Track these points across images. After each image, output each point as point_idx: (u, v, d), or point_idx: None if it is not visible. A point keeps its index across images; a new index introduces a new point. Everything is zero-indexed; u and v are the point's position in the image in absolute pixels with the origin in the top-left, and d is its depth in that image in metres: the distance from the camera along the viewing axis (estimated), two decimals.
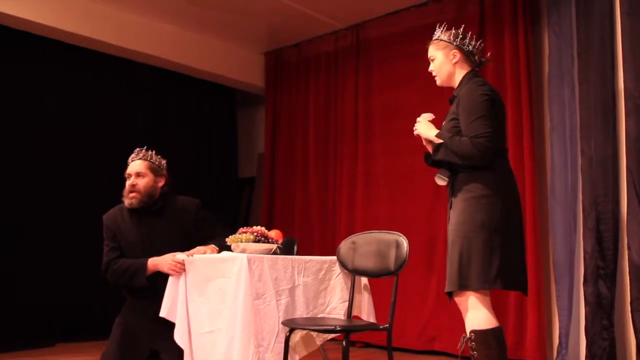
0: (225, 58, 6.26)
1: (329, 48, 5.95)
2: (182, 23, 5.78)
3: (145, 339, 3.01)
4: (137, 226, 3.17)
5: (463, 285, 2.49)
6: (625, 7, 3.97)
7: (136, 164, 3.22)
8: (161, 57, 5.77)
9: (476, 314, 2.49)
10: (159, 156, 3.32)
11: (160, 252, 3.02)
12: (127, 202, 3.17)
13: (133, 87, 6.06)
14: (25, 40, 5.19)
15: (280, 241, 3.02)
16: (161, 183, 3.24)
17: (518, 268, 2.57)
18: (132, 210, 3.18)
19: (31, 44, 5.24)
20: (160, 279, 2.98)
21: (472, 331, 2.49)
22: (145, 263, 3.03)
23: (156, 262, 3.01)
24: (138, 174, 3.17)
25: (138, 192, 3.15)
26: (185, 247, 3.06)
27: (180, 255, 2.96)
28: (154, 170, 3.22)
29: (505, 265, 2.48)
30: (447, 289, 2.57)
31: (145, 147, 3.32)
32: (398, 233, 2.95)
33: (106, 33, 5.34)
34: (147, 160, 3.23)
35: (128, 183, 3.18)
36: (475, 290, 2.48)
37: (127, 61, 5.81)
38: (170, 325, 2.88)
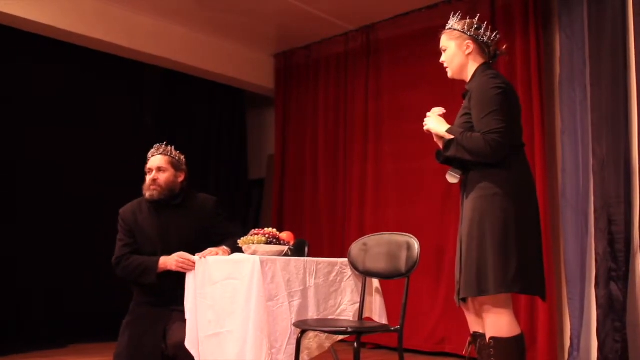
0: (235, 60, 6.28)
1: (338, 50, 5.96)
2: (192, 25, 5.80)
3: (155, 334, 3.03)
4: (156, 219, 3.21)
5: (481, 291, 2.39)
6: (637, 9, 3.96)
7: (157, 159, 3.26)
8: (171, 58, 5.79)
9: (498, 320, 2.41)
10: (178, 151, 3.37)
11: (177, 245, 3.05)
12: (147, 194, 3.21)
13: (143, 88, 6.09)
14: (36, 42, 5.22)
15: (291, 243, 3.02)
16: (181, 178, 3.29)
17: (536, 271, 2.45)
18: (151, 203, 3.22)
19: (41, 46, 5.27)
20: (168, 277, 3.02)
21: (492, 338, 2.40)
22: (157, 262, 3.05)
23: (165, 261, 3.04)
24: (159, 169, 3.23)
25: (159, 185, 3.20)
26: (202, 241, 3.11)
27: (191, 257, 3.00)
28: (174, 165, 3.27)
29: (523, 267, 2.38)
30: (463, 295, 2.47)
31: (164, 142, 3.36)
32: (409, 235, 2.93)
33: (117, 35, 5.37)
34: (167, 155, 3.28)
35: (149, 177, 3.23)
36: (493, 295, 2.38)
37: (137, 63, 5.84)
38: (177, 314, 2.97)
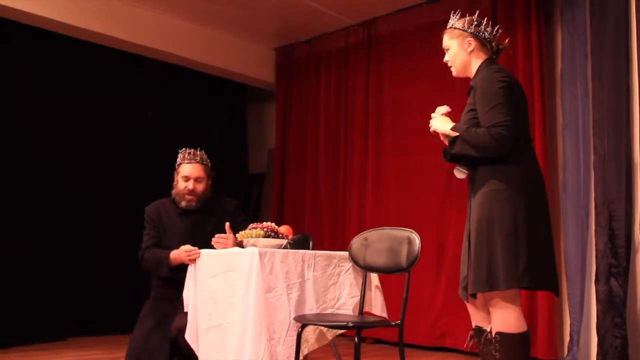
0: (236, 53, 6.27)
1: (339, 44, 5.94)
2: (194, 18, 5.79)
3: (167, 325, 3.08)
4: (180, 220, 3.28)
5: (491, 286, 2.38)
6: None
7: (196, 169, 3.31)
8: (172, 52, 5.77)
9: (505, 315, 2.39)
10: (206, 155, 3.43)
11: (199, 246, 3.06)
12: (184, 203, 3.27)
13: (144, 82, 6.08)
14: (35, 35, 5.21)
15: (290, 237, 3.01)
16: (209, 183, 3.38)
17: (547, 266, 2.43)
18: (177, 206, 3.29)
19: (41, 39, 5.26)
20: (182, 271, 3.05)
21: (497, 333, 2.39)
22: (168, 255, 3.10)
23: (176, 256, 3.08)
24: (197, 179, 3.29)
25: (196, 195, 3.27)
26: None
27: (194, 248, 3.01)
28: (208, 173, 3.37)
29: (533, 262, 2.36)
30: (472, 291, 2.46)
31: (198, 148, 3.41)
32: (410, 229, 2.92)
33: (118, 29, 5.36)
34: (203, 163, 3.35)
35: (185, 185, 3.27)
36: (503, 290, 2.37)
37: (138, 57, 5.83)
38: None
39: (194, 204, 3.26)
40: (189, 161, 3.33)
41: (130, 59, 5.81)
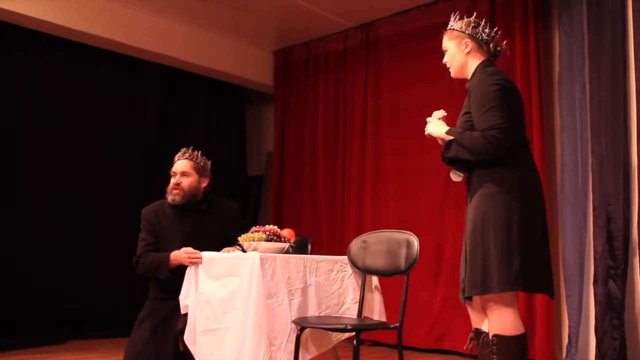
0: (235, 56, 6.27)
1: (338, 46, 5.95)
2: (192, 21, 5.79)
3: (172, 327, 3.06)
4: (180, 223, 3.25)
5: (485, 289, 2.38)
6: (637, 6, 3.96)
7: (182, 163, 3.31)
8: (171, 55, 5.78)
9: (501, 318, 2.40)
10: (204, 157, 3.41)
11: (201, 249, 3.05)
12: (170, 198, 3.26)
13: (142, 85, 6.07)
14: (35, 39, 5.21)
15: (292, 240, 3.01)
16: (205, 183, 3.35)
17: (541, 269, 2.43)
18: (175, 207, 3.27)
19: (40, 42, 5.26)
20: (181, 272, 3.04)
21: (495, 335, 2.39)
22: (168, 257, 3.08)
23: (176, 256, 3.05)
24: (183, 173, 3.28)
25: (181, 189, 3.25)
26: (227, 247, 3.14)
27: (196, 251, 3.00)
28: (199, 170, 3.32)
29: (526, 265, 2.36)
30: (467, 293, 2.47)
31: (192, 148, 3.41)
32: (409, 232, 2.93)
33: (116, 31, 5.36)
34: (192, 160, 3.33)
35: (173, 181, 3.28)
36: (497, 293, 2.37)
37: (136, 60, 5.83)
38: None
39: (178, 198, 3.24)
40: (178, 158, 3.36)
41: (129, 62, 5.81)
